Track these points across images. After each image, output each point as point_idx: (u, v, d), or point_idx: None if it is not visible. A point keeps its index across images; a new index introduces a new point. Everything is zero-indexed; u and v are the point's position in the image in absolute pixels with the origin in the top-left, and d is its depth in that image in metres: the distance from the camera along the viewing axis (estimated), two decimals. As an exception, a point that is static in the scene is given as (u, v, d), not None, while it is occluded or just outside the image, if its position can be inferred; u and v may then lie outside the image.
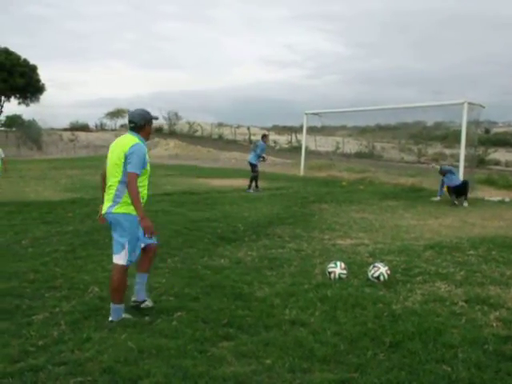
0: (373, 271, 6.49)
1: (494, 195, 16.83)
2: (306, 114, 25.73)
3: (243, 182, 18.23)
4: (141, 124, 5.14)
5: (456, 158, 22.02)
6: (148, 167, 5.25)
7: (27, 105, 50.85)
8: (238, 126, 51.25)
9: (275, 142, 44.75)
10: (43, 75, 63.36)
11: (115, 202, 5.00)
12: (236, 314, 5.19)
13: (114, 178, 5.01)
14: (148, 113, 5.24)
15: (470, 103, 17.83)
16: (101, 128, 59.13)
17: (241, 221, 10.86)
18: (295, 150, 35.62)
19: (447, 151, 37.94)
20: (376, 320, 5.07)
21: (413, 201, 15.44)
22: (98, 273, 6.71)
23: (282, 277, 6.67)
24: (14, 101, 51.07)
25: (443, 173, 15.51)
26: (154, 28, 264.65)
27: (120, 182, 4.98)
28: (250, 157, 18.08)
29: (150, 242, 5.30)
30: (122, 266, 5.05)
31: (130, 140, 5.03)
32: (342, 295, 5.82)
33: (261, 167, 18.36)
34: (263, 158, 18.20)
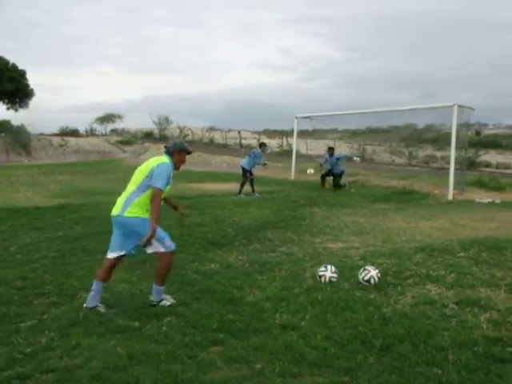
0: (363, 274, 6.48)
1: (484, 197, 16.87)
2: (297, 117, 25.72)
3: (234, 186, 18.20)
4: (170, 150, 5.78)
5: (447, 160, 22.09)
6: (168, 188, 5.69)
7: (16, 110, 50.61)
8: (229, 130, 51.16)
9: (266, 145, 44.71)
10: (34, 80, 63.19)
11: (127, 205, 5.64)
12: (226, 319, 5.17)
13: (131, 186, 5.64)
14: (181, 143, 5.93)
15: (460, 106, 17.88)
16: (91, 133, 58.84)
17: (231, 225, 10.83)
18: (286, 153, 35.58)
19: (438, 153, 38.04)
20: (366, 323, 5.06)
21: (404, 203, 15.46)
22: (87, 279, 6.62)
23: (273, 281, 6.65)
24: (2, 106, 50.75)
25: None
26: (145, 32, 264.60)
27: (137, 190, 5.56)
28: (244, 161, 18.01)
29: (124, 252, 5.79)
30: (166, 253, 5.64)
31: (160, 158, 5.68)
32: (333, 299, 5.80)
33: (255, 171, 18.31)
34: (265, 163, 18.49)
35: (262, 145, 19.13)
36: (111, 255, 5.67)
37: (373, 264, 7.16)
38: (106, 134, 58.87)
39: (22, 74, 48.81)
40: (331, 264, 6.84)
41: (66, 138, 47.30)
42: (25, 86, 49.22)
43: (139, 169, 5.66)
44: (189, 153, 5.96)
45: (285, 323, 5.07)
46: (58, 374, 3.97)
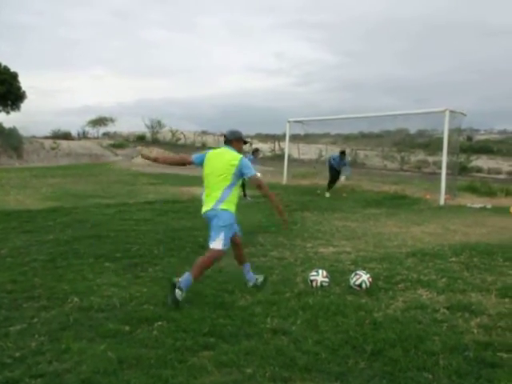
0: (355, 279, 6.47)
1: (475, 202, 16.96)
2: (289, 121, 25.75)
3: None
4: (230, 139, 6.29)
5: (438, 165, 22.17)
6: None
7: (8, 112, 50.40)
8: (222, 134, 51.13)
9: (258, 149, 44.73)
10: (26, 83, 62.85)
11: (220, 201, 6.04)
12: (217, 323, 5.15)
13: (221, 183, 6.03)
14: (238, 132, 6.40)
15: (451, 111, 17.98)
16: (83, 136, 58.73)
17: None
18: (278, 158, 35.64)
19: (430, 159, 38.22)
20: (357, 328, 5.05)
21: (395, 208, 15.52)
22: (78, 282, 6.62)
23: (264, 285, 6.63)
24: (-7, 109, 50.64)
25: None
26: (139, 36, 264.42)
27: (226, 188, 6.06)
28: None
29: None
30: (219, 251, 6.03)
31: (233, 155, 6.11)
32: (324, 303, 5.80)
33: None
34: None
35: (255, 151, 19.12)
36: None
37: (364, 269, 7.16)
38: (98, 138, 58.82)
39: (14, 76, 48.61)
40: (322, 268, 6.83)
41: (58, 141, 47.20)
42: (17, 88, 48.99)
43: (214, 171, 6.07)
44: (245, 142, 6.56)
45: (276, 328, 5.05)
46: (48, 379, 3.94)
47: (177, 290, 5.57)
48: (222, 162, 6.07)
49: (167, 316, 5.33)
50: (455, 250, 8.92)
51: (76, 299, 5.90)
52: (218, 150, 6.36)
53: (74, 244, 8.95)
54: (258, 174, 6.02)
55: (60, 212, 13.01)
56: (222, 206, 6.02)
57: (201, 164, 6.25)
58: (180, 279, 5.66)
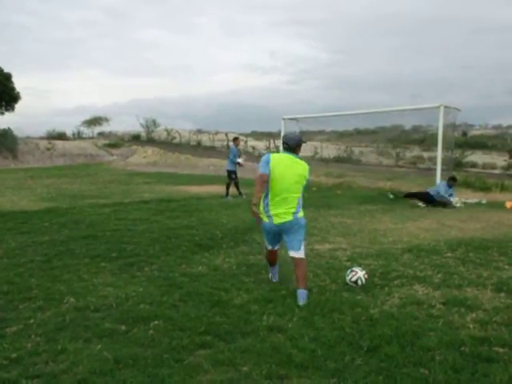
0: (350, 275, 6.48)
1: (471, 197, 16.99)
2: (284, 119, 25.73)
3: (221, 189, 18.20)
4: (293, 146, 6.24)
5: (434, 160, 22.18)
6: None
7: (2, 113, 50.26)
8: (217, 133, 51.14)
9: (254, 147, 44.76)
10: (20, 83, 62.61)
11: (297, 210, 6.13)
12: (213, 322, 5.15)
13: (295, 194, 6.11)
14: (300, 138, 6.39)
15: (446, 107, 17.98)
16: (78, 136, 58.61)
17: (219, 228, 10.82)
18: (274, 155, 35.57)
19: (425, 154, 38.25)
20: (354, 325, 5.06)
21: (391, 204, 15.53)
22: (74, 283, 6.62)
23: (260, 283, 6.64)
24: (-13, 110, 50.49)
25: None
26: (133, 35, 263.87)
27: (300, 197, 6.18)
28: (227, 164, 18.08)
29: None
30: (304, 258, 6.23)
31: (305, 166, 6.24)
32: (320, 300, 5.81)
33: (240, 173, 18.27)
34: (239, 163, 17.88)
35: (235, 139, 18.70)
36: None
37: (360, 265, 7.17)
38: (93, 137, 58.66)
39: (8, 77, 48.43)
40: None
41: (53, 142, 47.12)
42: (11, 89, 48.86)
43: (290, 178, 6.09)
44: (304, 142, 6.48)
45: (272, 325, 5.06)
46: (44, 380, 3.94)
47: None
48: (296, 171, 6.15)
49: (163, 315, 5.33)
50: (451, 245, 8.95)
51: (72, 299, 5.89)
52: (287, 155, 6.24)
53: (69, 244, 8.94)
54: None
55: (56, 212, 13.00)
56: (300, 215, 6.18)
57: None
58: (301, 301, 5.79)
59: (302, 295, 5.83)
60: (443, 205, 15.10)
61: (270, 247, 6.59)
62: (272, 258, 6.73)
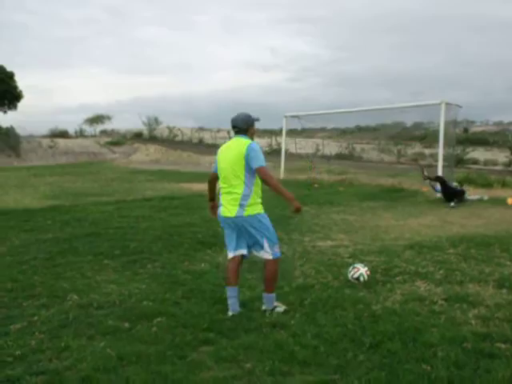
0: (352, 272, 6.49)
1: (472, 194, 16.93)
2: (286, 116, 25.72)
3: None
4: (243, 128, 5.40)
5: (435, 157, 22.13)
6: None
7: (5, 112, 50.29)
8: (219, 130, 51.06)
9: (256, 145, 44.69)
10: (23, 82, 62.68)
11: (242, 206, 5.26)
12: (216, 319, 5.17)
13: (234, 181, 5.25)
14: (249, 116, 5.45)
15: (447, 103, 17.93)
16: (80, 134, 58.57)
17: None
18: (275, 152, 35.57)
19: (426, 151, 38.20)
20: (356, 321, 5.08)
21: (393, 201, 15.51)
22: (78, 280, 6.65)
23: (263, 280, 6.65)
24: (-10, 109, 50.53)
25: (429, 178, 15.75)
26: (134, 33, 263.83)
27: (244, 184, 5.25)
28: None
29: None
30: (274, 260, 5.38)
31: (243, 142, 5.26)
32: (322, 297, 5.82)
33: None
34: None
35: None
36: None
37: (362, 262, 7.17)
38: (95, 135, 58.60)
39: (10, 76, 48.49)
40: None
41: (56, 140, 47.09)
42: (13, 87, 48.91)
43: (227, 165, 5.31)
44: (257, 120, 5.57)
45: (274, 322, 5.07)
46: (48, 377, 3.96)
47: (276, 311, 5.38)
48: (231, 154, 5.32)
49: (166, 312, 5.36)
50: (453, 241, 8.95)
51: (75, 297, 5.92)
52: (231, 140, 5.52)
53: (72, 242, 8.97)
54: (264, 165, 5.22)
55: (59, 210, 13.04)
56: (248, 212, 5.31)
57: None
58: (264, 306, 5.43)
59: (264, 299, 5.46)
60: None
61: (228, 252, 5.56)
62: (230, 271, 5.48)
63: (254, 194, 5.35)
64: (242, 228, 5.33)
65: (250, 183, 5.27)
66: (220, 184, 5.49)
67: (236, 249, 5.45)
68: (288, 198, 5.37)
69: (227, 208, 5.32)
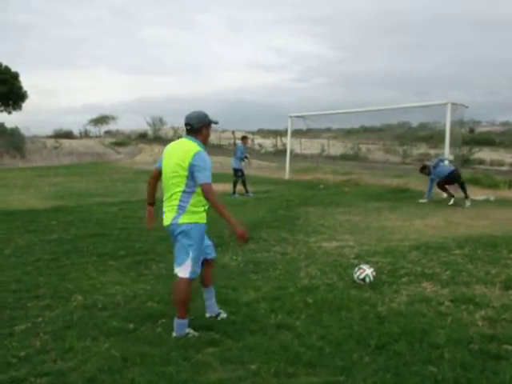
0: (358, 273, 6.46)
1: (478, 194, 16.90)
2: (291, 116, 25.71)
3: (228, 187, 18.17)
4: (198, 127, 4.95)
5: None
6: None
7: (9, 112, 50.47)
8: (223, 131, 51.14)
9: (260, 145, 44.79)
10: (27, 82, 62.87)
11: (179, 213, 4.81)
12: (221, 320, 5.15)
13: (176, 187, 4.81)
14: (206, 115, 5.05)
15: (453, 103, 17.90)
16: (85, 135, 58.72)
17: (226, 225, 10.74)
18: (280, 153, 35.60)
19: (432, 151, 38.16)
20: (362, 322, 5.05)
21: (398, 202, 15.48)
22: (82, 281, 6.63)
23: (268, 281, 6.64)
24: (-5, 109, 50.71)
25: (428, 171, 15.56)
26: (139, 34, 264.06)
27: (184, 192, 4.78)
28: (232, 162, 17.99)
29: (209, 256, 5.27)
30: (187, 279, 4.81)
31: (191, 148, 4.82)
32: (328, 298, 5.80)
33: (246, 171, 18.25)
34: (246, 157, 17.90)
35: (243, 138, 18.96)
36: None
37: (367, 262, 7.15)
38: (100, 136, 58.78)
39: (15, 76, 48.67)
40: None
41: (60, 140, 47.22)
42: (18, 88, 49.07)
43: (170, 168, 4.90)
44: (215, 123, 5.18)
45: (280, 323, 5.06)
46: (52, 378, 3.95)
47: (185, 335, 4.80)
48: (174, 159, 4.90)
49: (171, 313, 5.30)
50: (459, 242, 8.91)
51: (80, 298, 5.91)
52: (179, 140, 5.19)
53: (77, 243, 8.96)
54: (210, 182, 4.70)
55: (63, 211, 13.04)
56: (183, 219, 4.84)
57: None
58: (174, 333, 4.78)
59: (174, 325, 4.82)
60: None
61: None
62: (202, 275, 5.15)
63: (195, 200, 4.83)
64: (176, 237, 4.89)
65: (190, 190, 4.77)
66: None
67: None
68: (231, 223, 4.77)
69: (166, 215, 4.95)
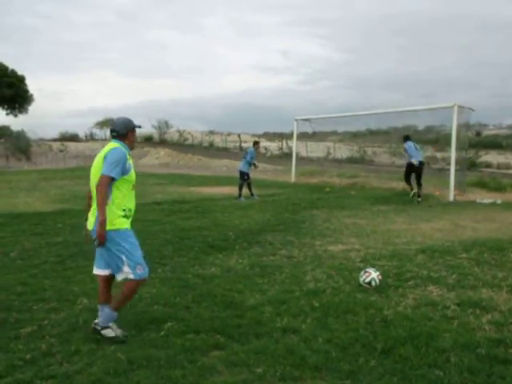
0: (364, 277, 6.45)
1: (485, 197, 16.87)
2: (296, 120, 25.71)
3: (234, 190, 18.17)
4: (123, 132, 4.95)
5: (447, 161, 22.05)
6: (132, 176, 5.07)
7: (15, 115, 50.74)
8: (229, 134, 51.18)
9: (266, 148, 44.71)
10: (33, 86, 63.07)
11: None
12: (227, 323, 5.14)
13: (95, 190, 4.72)
14: (130, 121, 5.06)
15: (459, 106, 17.87)
16: (90, 138, 58.89)
17: (232, 229, 10.81)
18: (286, 156, 35.56)
19: (438, 155, 38.05)
20: (368, 326, 5.04)
21: (404, 205, 15.45)
22: (87, 284, 6.63)
23: (274, 284, 6.62)
24: (1, 112, 50.98)
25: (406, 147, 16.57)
26: (144, 37, 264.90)
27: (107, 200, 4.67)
28: (241, 165, 17.96)
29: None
30: (137, 281, 4.82)
31: (109, 146, 4.85)
32: (334, 302, 5.78)
33: (252, 174, 18.25)
34: (254, 164, 17.94)
35: (255, 143, 18.91)
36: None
37: (373, 266, 7.13)
38: (105, 139, 58.83)
39: (21, 79, 48.92)
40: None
41: (66, 143, 47.40)
42: (24, 91, 49.33)
43: (93, 173, 4.86)
44: (139, 127, 5.16)
45: (286, 327, 5.05)
46: (58, 381, 3.95)
47: (102, 332, 4.80)
48: (96, 163, 4.85)
49: (176, 316, 5.34)
50: (465, 246, 8.87)
51: (85, 300, 5.91)
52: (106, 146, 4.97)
53: (83, 245, 8.92)
54: (111, 175, 4.62)
55: (69, 214, 13.07)
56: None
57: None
58: (97, 320, 4.88)
59: (102, 313, 4.87)
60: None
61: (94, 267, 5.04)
62: (100, 290, 5.06)
63: (113, 205, 4.76)
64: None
65: (108, 192, 4.67)
66: None
67: (97, 267, 4.98)
68: (99, 221, 4.57)
69: (89, 219, 4.89)
